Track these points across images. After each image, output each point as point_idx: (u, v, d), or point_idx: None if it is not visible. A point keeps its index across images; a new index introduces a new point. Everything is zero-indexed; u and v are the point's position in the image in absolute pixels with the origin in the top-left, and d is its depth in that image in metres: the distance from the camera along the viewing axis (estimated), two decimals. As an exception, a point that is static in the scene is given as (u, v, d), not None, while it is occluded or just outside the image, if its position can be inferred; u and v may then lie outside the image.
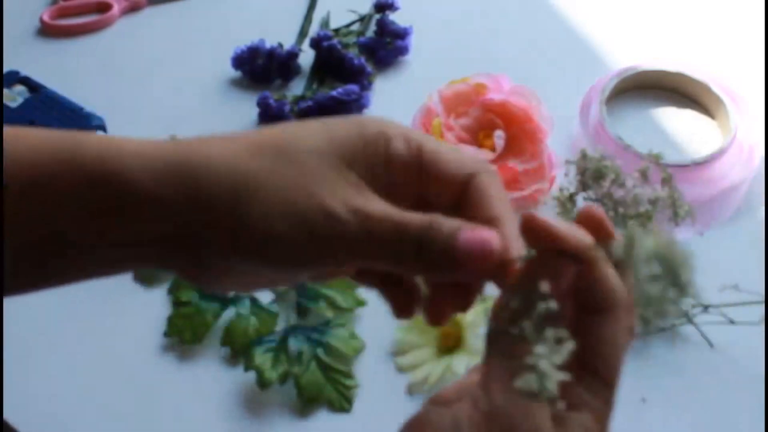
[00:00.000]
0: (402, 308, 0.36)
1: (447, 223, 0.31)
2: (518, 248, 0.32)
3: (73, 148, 0.32)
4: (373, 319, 0.56)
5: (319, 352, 0.55)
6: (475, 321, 0.53)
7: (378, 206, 0.32)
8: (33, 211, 0.31)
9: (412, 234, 0.31)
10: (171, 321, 0.57)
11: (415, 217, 0.32)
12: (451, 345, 0.54)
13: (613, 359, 0.31)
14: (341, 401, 0.54)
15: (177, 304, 0.57)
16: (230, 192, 0.31)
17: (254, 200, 0.31)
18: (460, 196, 0.34)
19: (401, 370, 0.55)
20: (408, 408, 0.53)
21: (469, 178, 0.34)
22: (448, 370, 0.52)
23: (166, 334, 0.56)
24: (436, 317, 0.34)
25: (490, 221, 0.32)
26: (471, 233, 0.31)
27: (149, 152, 0.32)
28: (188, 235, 0.31)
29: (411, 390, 0.54)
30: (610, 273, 0.31)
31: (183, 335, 0.56)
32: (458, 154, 0.34)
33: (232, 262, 0.32)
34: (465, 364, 0.52)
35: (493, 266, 0.31)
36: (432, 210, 0.33)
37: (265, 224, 0.31)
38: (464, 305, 0.34)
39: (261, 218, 0.31)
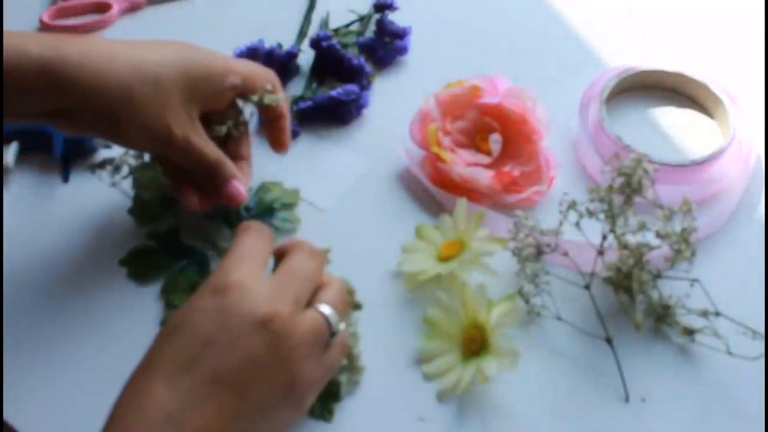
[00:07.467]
0: (186, 197, 0.57)
1: (229, 167, 0.55)
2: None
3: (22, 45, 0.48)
4: (370, 323, 0.56)
5: None
6: (499, 323, 0.52)
7: (198, 139, 0.54)
8: None
9: (209, 164, 0.55)
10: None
11: (214, 154, 0.55)
12: (476, 348, 0.53)
13: None
14: (323, 411, 0.52)
15: (169, 306, 0.57)
16: (107, 100, 0.50)
17: (123, 112, 0.51)
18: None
19: (428, 377, 0.54)
20: (397, 414, 0.53)
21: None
22: (478, 373, 0.51)
23: None
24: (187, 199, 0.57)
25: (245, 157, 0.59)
26: (236, 185, 0.56)
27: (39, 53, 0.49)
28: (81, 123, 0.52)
29: (441, 395, 0.53)
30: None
31: None
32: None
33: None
34: (495, 365, 0.51)
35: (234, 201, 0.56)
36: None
37: (128, 131, 0.52)
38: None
39: (126, 126, 0.51)
